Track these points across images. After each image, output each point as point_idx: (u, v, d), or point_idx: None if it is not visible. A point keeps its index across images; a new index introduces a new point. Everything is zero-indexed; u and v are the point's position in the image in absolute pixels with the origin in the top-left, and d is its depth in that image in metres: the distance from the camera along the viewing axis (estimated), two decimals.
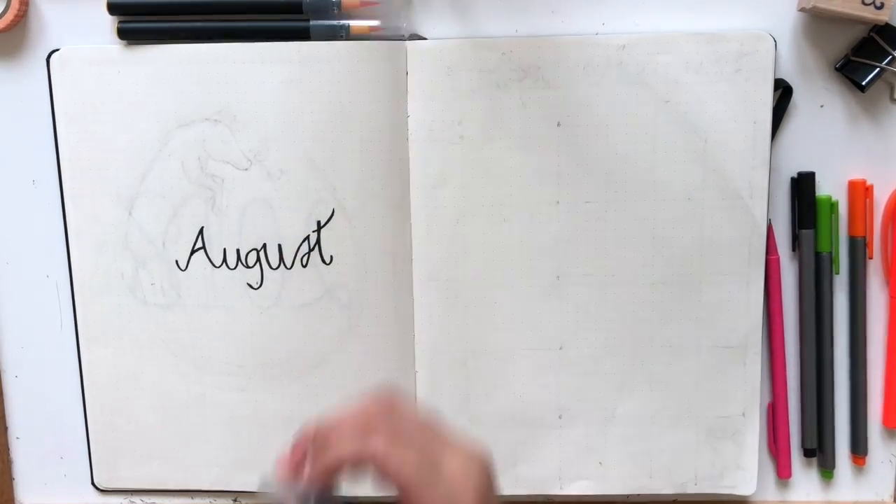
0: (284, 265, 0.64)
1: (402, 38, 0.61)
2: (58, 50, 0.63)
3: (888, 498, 0.67)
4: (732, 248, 0.62)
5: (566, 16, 0.62)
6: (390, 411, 0.50)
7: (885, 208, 0.63)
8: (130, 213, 0.64)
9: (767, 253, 0.63)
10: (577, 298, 0.64)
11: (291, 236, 0.64)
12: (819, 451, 0.66)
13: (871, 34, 0.60)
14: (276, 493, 0.48)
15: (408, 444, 0.48)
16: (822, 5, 0.57)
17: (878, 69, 0.60)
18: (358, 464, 0.47)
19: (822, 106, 0.62)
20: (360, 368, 0.65)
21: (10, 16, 0.61)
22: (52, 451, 0.69)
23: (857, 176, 0.63)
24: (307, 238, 0.64)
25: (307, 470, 0.49)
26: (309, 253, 0.64)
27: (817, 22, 0.61)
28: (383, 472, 0.47)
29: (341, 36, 0.61)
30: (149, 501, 0.69)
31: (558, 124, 0.62)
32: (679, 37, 0.60)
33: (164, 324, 0.65)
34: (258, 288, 0.65)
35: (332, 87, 0.61)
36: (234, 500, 0.68)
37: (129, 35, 0.62)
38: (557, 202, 0.63)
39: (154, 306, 0.65)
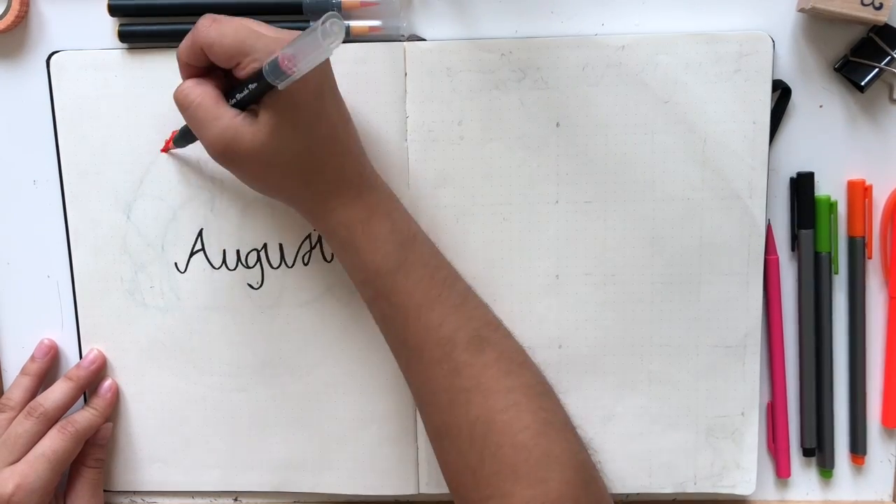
0: (286, 264, 0.64)
1: (400, 39, 0.61)
2: (57, 52, 0.63)
3: (887, 498, 0.67)
4: (731, 248, 0.63)
5: (566, 17, 0.62)
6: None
7: (884, 208, 0.63)
8: (129, 217, 0.64)
9: (767, 253, 0.63)
10: (576, 298, 0.64)
11: (292, 235, 0.64)
12: (818, 451, 0.66)
13: (870, 35, 0.60)
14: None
15: (233, 20, 0.53)
16: (821, 6, 0.57)
17: (877, 69, 0.60)
18: (197, 43, 0.53)
19: (821, 106, 0.62)
20: (360, 367, 0.65)
21: (10, 17, 0.62)
22: None
23: (856, 176, 0.63)
24: (308, 236, 0.64)
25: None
26: (310, 251, 0.64)
27: (816, 22, 0.61)
28: (208, 43, 0.53)
29: None
30: (150, 501, 0.69)
31: (557, 125, 0.62)
32: (678, 37, 0.60)
33: (164, 326, 0.66)
34: (259, 288, 0.65)
35: None
36: (235, 500, 0.69)
37: (130, 37, 0.62)
38: (557, 202, 0.63)
39: (154, 309, 0.65)
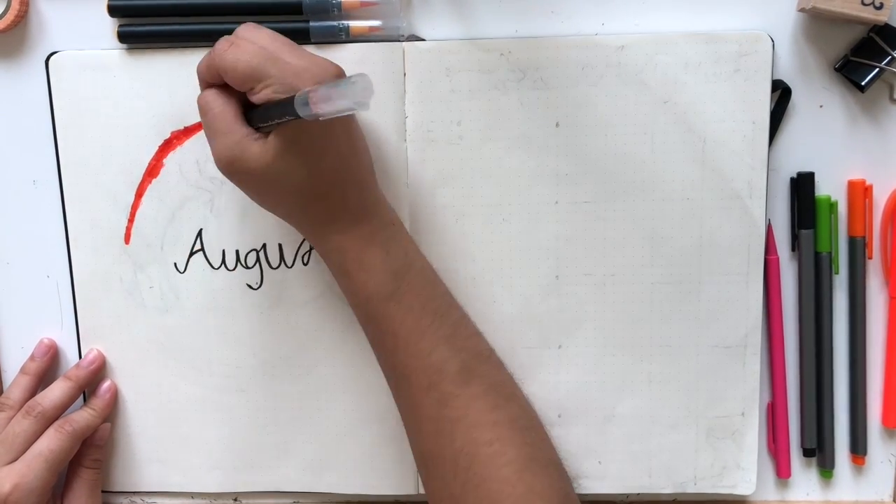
0: (285, 264, 0.64)
1: (400, 39, 0.61)
2: (56, 52, 0.63)
3: (888, 498, 0.67)
4: (731, 248, 0.62)
5: (565, 16, 0.62)
6: (252, 29, 0.55)
7: (884, 208, 0.63)
8: (128, 217, 0.64)
9: (767, 253, 0.63)
10: (576, 298, 0.64)
11: (292, 235, 0.64)
12: (818, 451, 0.66)
13: (871, 34, 0.60)
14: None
15: (250, 45, 0.53)
16: (821, 6, 0.57)
17: (877, 69, 0.60)
18: (213, 66, 0.54)
19: (821, 106, 0.62)
20: (359, 367, 0.65)
21: (10, 17, 0.62)
22: None
23: (856, 176, 0.63)
24: None
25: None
26: (310, 251, 0.64)
27: (817, 22, 0.61)
28: (223, 68, 0.53)
29: (341, 37, 0.61)
30: (149, 502, 0.69)
31: (557, 125, 0.62)
32: (678, 37, 0.60)
33: (164, 326, 0.66)
34: (258, 288, 0.65)
35: None
36: (235, 500, 0.69)
37: (129, 38, 0.62)
38: (556, 202, 0.63)
39: (153, 309, 0.65)
